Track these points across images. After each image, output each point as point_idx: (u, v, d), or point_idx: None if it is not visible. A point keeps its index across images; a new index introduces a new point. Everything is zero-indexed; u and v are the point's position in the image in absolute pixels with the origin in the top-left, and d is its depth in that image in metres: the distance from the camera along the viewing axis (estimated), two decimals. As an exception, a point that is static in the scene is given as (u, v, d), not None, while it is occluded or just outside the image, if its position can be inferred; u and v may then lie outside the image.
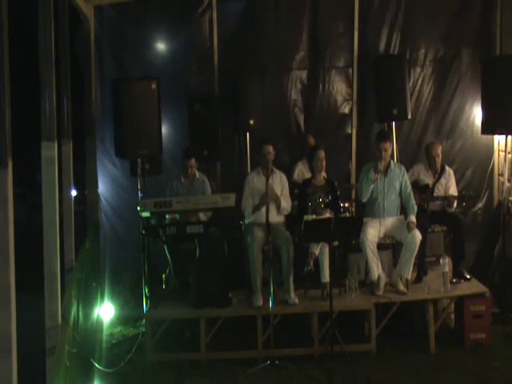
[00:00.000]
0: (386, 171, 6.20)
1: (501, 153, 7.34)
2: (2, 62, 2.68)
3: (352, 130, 7.51)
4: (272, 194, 6.10)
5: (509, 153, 7.04)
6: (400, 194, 6.22)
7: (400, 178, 6.21)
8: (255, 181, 6.31)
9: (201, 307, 5.85)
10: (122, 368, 5.44)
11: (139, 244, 6.10)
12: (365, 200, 6.25)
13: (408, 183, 6.23)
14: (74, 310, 4.60)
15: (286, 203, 6.29)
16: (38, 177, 4.19)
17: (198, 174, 6.60)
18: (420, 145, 7.36)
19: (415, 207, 6.14)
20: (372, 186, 6.14)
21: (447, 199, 6.46)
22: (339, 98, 7.50)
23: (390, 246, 6.47)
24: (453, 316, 6.28)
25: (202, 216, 6.33)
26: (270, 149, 6.20)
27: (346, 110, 7.50)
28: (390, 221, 6.19)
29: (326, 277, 5.96)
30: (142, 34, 7.18)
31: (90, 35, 7.04)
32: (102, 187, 7.22)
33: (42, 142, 3.98)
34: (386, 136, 6.47)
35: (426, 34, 7.41)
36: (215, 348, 5.86)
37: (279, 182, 6.30)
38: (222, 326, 5.86)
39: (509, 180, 7.05)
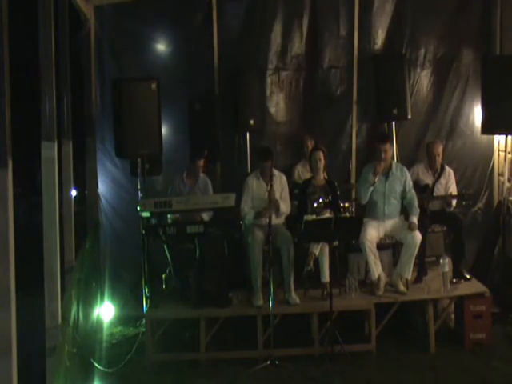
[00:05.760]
0: (387, 174, 6.18)
1: (501, 153, 7.35)
2: (2, 62, 2.69)
3: (352, 130, 7.50)
4: (272, 200, 6.04)
5: (509, 153, 7.04)
6: (402, 197, 6.19)
7: (402, 181, 6.18)
8: (255, 185, 6.29)
9: (201, 307, 5.85)
10: (122, 368, 5.44)
11: (139, 244, 6.10)
12: (364, 202, 6.24)
13: (411, 185, 6.19)
14: (73, 309, 4.60)
15: (285, 206, 6.26)
16: (38, 177, 4.18)
17: (201, 175, 6.61)
18: (420, 145, 7.36)
19: (418, 209, 6.11)
20: (371, 189, 6.13)
21: (445, 199, 6.46)
22: (339, 98, 7.49)
23: (390, 246, 6.46)
24: (453, 316, 6.28)
25: (206, 216, 6.33)
26: (269, 164, 6.16)
27: (346, 111, 7.50)
28: (390, 222, 6.18)
29: (325, 277, 5.96)
30: (142, 34, 7.17)
31: (90, 35, 7.04)
32: (102, 187, 7.21)
33: (42, 142, 3.98)
34: (385, 137, 6.48)
35: (426, 33, 7.41)
36: (215, 348, 5.87)
37: (279, 184, 6.27)
38: (222, 326, 5.86)
39: (509, 180, 7.05)
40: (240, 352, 5.78)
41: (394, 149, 7.06)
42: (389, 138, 6.56)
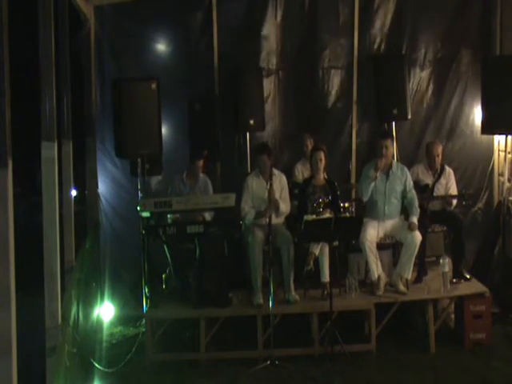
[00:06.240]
0: (387, 173, 6.17)
1: (501, 153, 7.35)
2: (2, 62, 2.69)
3: (352, 130, 7.50)
4: (272, 200, 6.04)
5: (509, 153, 7.04)
6: (402, 197, 6.19)
7: (402, 180, 6.17)
8: (255, 184, 6.29)
9: (201, 307, 5.85)
10: (122, 368, 5.44)
11: (139, 244, 6.10)
12: (365, 199, 6.23)
13: (411, 185, 6.18)
14: (73, 309, 4.60)
15: (285, 206, 6.26)
16: (38, 177, 4.19)
17: (201, 175, 6.63)
18: (420, 145, 7.36)
19: (418, 210, 6.11)
20: (372, 185, 6.12)
21: (445, 199, 6.47)
22: (339, 99, 7.49)
23: (390, 246, 6.46)
24: (453, 316, 6.28)
25: (208, 216, 6.34)
26: (265, 158, 6.18)
27: (346, 111, 7.49)
28: (390, 222, 6.18)
29: (325, 277, 5.96)
30: (142, 33, 7.17)
31: (90, 35, 7.04)
32: (102, 187, 7.21)
33: (42, 142, 3.98)
34: (386, 133, 6.49)
35: (426, 33, 7.41)
36: (215, 348, 5.87)
37: (279, 184, 6.27)
38: (222, 326, 5.86)
39: (509, 180, 7.05)
40: (240, 352, 5.78)
41: (394, 148, 7.06)
42: (390, 135, 6.56)
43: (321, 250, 5.97)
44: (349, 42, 7.41)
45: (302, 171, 7.02)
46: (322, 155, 6.28)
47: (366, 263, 6.16)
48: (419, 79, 7.47)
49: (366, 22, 7.37)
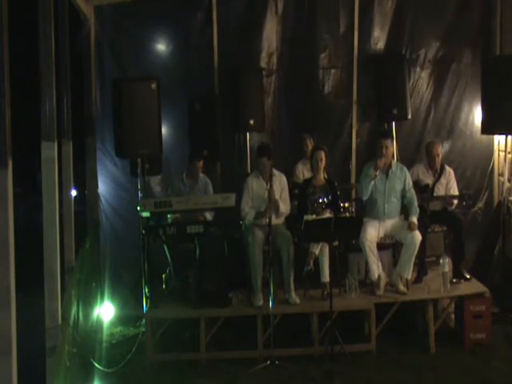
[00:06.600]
0: (387, 172, 6.18)
1: (501, 153, 7.35)
2: (2, 62, 2.69)
3: (352, 130, 7.51)
4: (272, 201, 6.03)
5: (509, 153, 7.04)
6: (402, 196, 6.19)
7: (402, 180, 6.17)
8: (255, 185, 6.29)
9: (201, 307, 5.85)
10: (122, 368, 5.45)
11: (139, 244, 6.11)
12: (365, 198, 6.23)
13: (411, 185, 6.19)
14: (73, 309, 4.60)
15: (285, 207, 6.25)
16: (38, 177, 4.19)
17: (201, 175, 6.63)
18: (420, 145, 7.36)
19: (418, 209, 6.11)
20: (372, 184, 6.12)
21: (446, 199, 6.47)
22: (339, 99, 7.49)
23: (390, 246, 6.46)
24: (453, 316, 6.28)
25: (209, 216, 6.34)
26: (265, 161, 6.18)
27: (346, 111, 7.49)
28: (390, 222, 6.18)
29: (325, 277, 5.96)
30: (142, 34, 7.18)
31: (90, 35, 7.04)
32: (102, 187, 7.21)
33: (42, 142, 3.98)
34: (387, 133, 6.50)
35: (426, 34, 7.41)
36: (215, 348, 5.87)
37: (279, 184, 6.26)
38: (222, 326, 5.86)
39: (509, 180, 7.06)
40: (240, 352, 5.78)
41: (394, 148, 7.06)
42: (390, 135, 6.56)
43: (321, 250, 5.97)
44: (349, 42, 7.41)
45: (302, 171, 7.02)
46: (322, 155, 6.29)
47: (366, 263, 6.16)
48: (419, 79, 7.47)
49: (366, 21, 7.38)
